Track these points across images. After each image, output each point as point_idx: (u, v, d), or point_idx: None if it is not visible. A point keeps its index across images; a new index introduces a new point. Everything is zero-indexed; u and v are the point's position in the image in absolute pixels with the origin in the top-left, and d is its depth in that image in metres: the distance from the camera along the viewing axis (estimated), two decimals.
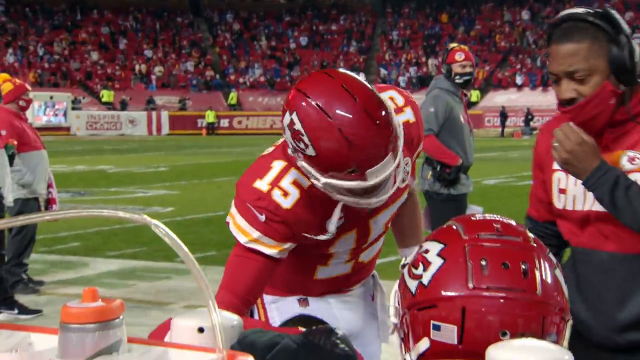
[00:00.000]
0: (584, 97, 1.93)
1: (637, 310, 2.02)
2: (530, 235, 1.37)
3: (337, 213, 1.98)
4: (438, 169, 5.67)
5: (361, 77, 1.90)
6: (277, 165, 2.00)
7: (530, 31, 43.97)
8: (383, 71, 43.85)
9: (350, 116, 1.77)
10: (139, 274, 7.20)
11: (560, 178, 2.10)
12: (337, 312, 2.23)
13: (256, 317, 2.22)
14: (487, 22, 46.30)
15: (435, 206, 5.71)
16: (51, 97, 36.31)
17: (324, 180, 1.84)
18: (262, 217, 1.97)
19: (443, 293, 1.30)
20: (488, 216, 1.42)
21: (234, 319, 1.26)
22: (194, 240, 8.53)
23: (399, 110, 2.09)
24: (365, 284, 2.35)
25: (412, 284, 1.36)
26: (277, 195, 1.97)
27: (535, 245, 1.34)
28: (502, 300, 1.26)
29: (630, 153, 1.98)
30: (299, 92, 1.83)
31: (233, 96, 42.33)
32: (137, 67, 44.68)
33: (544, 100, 38.38)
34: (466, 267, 1.30)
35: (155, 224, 1.03)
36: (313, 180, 1.89)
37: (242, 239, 2.00)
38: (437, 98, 5.67)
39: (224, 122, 40.06)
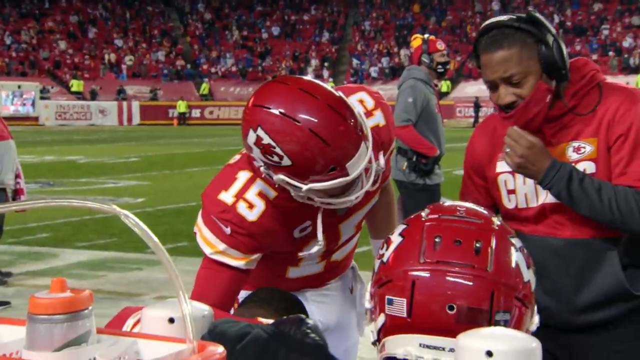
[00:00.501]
0: (523, 99, 2.00)
1: (594, 293, 2.07)
2: (496, 220, 1.39)
3: (320, 222, 1.96)
4: (414, 159, 5.70)
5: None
6: (243, 176, 1.97)
7: None
8: (355, 61, 43.86)
9: (318, 114, 1.75)
10: (109, 265, 7.15)
11: (506, 180, 2.14)
12: (314, 306, 2.21)
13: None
14: (458, 12, 46.47)
15: (410, 196, 5.74)
16: (19, 87, 35.81)
17: (306, 187, 1.81)
18: (228, 230, 1.95)
19: (397, 268, 1.33)
20: (458, 202, 1.45)
21: (204, 309, 1.26)
22: (166, 231, 8.49)
23: (368, 113, 2.08)
24: (344, 277, 2.34)
25: (376, 264, 1.40)
26: (242, 207, 1.94)
27: (496, 227, 1.36)
28: (449, 274, 1.29)
29: (575, 143, 2.05)
30: (257, 107, 1.80)
31: (205, 86, 42.09)
32: (106, 56, 44.23)
33: None
34: (420, 244, 1.33)
35: (125, 214, 1.03)
36: (293, 191, 1.86)
37: (207, 251, 1.98)
38: (415, 88, 5.68)
39: (196, 112, 39.82)
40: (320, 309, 2.22)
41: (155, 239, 1.02)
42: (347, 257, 2.28)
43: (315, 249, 2.06)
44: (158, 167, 16.01)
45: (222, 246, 1.97)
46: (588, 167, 2.03)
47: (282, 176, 1.83)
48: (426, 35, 6.00)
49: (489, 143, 2.18)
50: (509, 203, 2.15)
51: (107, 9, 48.36)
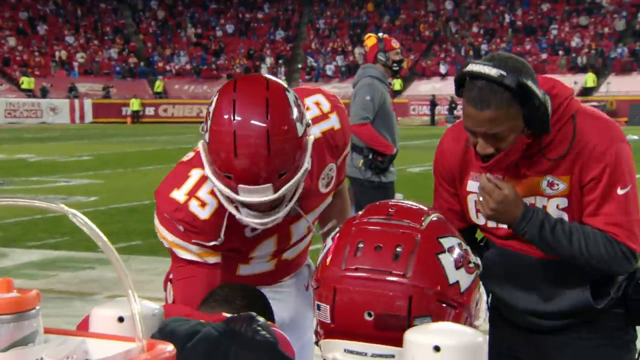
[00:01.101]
0: (502, 151, 1.97)
1: (560, 304, 2.11)
2: (429, 218, 1.39)
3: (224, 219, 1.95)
4: (370, 157, 5.72)
5: (292, 97, 1.83)
6: (195, 174, 1.97)
7: (453, 21, 44.71)
8: (310, 60, 43.87)
9: (251, 131, 1.76)
10: (60, 265, 7.04)
11: (477, 201, 2.12)
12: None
13: None
14: (411, 11, 46.78)
15: (365, 193, 5.76)
16: None
17: (207, 170, 1.85)
18: (181, 228, 1.95)
19: (322, 274, 1.35)
20: (395, 201, 1.45)
21: (155, 308, 1.25)
22: (119, 229, 8.39)
23: (324, 116, 2.08)
24: (298, 274, 2.34)
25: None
26: (194, 206, 1.94)
27: (424, 228, 1.36)
28: (367, 281, 1.30)
29: (549, 178, 2.03)
30: (233, 80, 1.84)
31: (159, 84, 41.66)
32: (57, 53, 43.47)
33: None
34: (344, 249, 1.34)
35: (73, 212, 1.02)
36: (204, 167, 1.88)
37: (175, 250, 1.99)
38: (372, 86, 5.70)
39: (149, 110, 39.39)
40: (273, 305, 2.22)
41: (104, 237, 1.01)
42: (300, 256, 2.29)
43: (266, 249, 2.07)
44: (111, 166, 15.80)
45: (181, 242, 1.97)
46: (561, 202, 2.03)
47: (200, 145, 1.88)
48: (380, 34, 6.04)
49: (461, 159, 2.14)
50: (477, 219, 2.14)
51: (57, 5, 47.53)
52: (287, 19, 48.69)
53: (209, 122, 1.81)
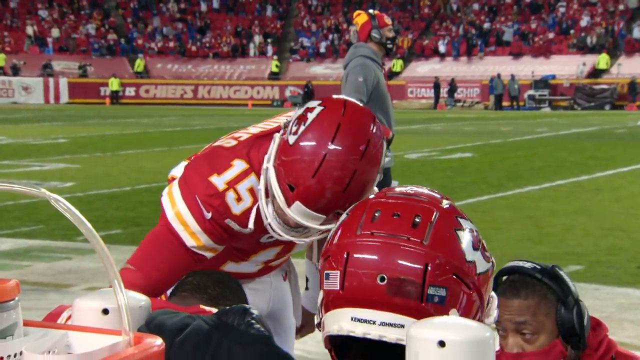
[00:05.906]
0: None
1: None
2: (447, 201, 1.42)
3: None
4: None
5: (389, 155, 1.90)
6: (239, 165, 2.00)
7: None
8: (301, 38, 43.72)
9: (340, 165, 1.81)
10: (34, 254, 7.03)
11: None
12: (247, 293, 2.26)
13: None
14: None
15: None
16: None
17: (269, 165, 1.88)
18: (208, 215, 1.97)
19: (335, 242, 1.38)
20: (412, 186, 1.47)
21: (141, 299, 1.25)
22: (97, 217, 8.37)
23: None
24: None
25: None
26: (230, 197, 1.97)
27: (444, 207, 1.39)
28: (382, 245, 1.32)
29: None
30: (344, 102, 1.89)
31: (140, 63, 41.49)
32: (30, 28, 43.20)
33: (469, 70, 39.04)
34: (360, 219, 1.37)
35: (55, 198, 1.02)
36: (265, 159, 1.92)
37: (178, 228, 1.99)
38: (365, 66, 5.67)
39: (130, 91, 39.28)
40: (251, 296, 2.26)
41: (88, 224, 1.01)
42: (284, 261, 2.36)
43: (266, 256, 2.14)
44: (89, 149, 15.76)
45: (195, 228, 1.98)
46: None
47: (277, 139, 1.90)
48: (371, 10, 6.02)
49: None
50: None
51: None
52: None
53: (301, 128, 1.84)
